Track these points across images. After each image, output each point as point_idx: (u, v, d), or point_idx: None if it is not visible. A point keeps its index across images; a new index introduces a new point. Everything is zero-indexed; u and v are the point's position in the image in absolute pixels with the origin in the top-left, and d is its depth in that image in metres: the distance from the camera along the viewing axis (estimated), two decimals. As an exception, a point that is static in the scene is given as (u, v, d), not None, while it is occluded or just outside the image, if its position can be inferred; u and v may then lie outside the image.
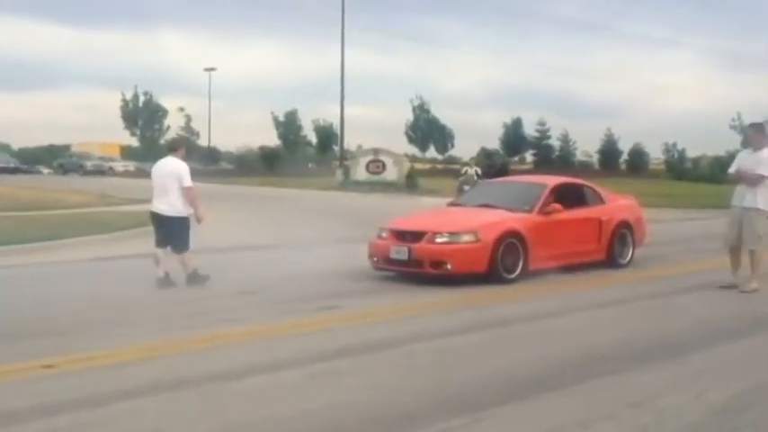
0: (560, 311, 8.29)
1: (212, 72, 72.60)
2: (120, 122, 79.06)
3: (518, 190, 11.73)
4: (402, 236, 10.15)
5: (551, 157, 79.89)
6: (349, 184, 39.38)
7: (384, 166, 39.84)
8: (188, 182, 9.53)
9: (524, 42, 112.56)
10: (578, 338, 6.96)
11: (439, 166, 70.68)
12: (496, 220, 10.33)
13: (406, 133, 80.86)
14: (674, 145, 77.02)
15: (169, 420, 4.62)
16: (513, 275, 9.94)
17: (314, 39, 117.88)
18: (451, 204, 12.33)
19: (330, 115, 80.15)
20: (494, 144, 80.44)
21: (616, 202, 12.23)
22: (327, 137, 76.64)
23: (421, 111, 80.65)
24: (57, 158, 67.56)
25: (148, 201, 10.45)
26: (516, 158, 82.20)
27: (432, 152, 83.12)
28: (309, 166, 74.94)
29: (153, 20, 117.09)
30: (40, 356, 5.96)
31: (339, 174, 42.62)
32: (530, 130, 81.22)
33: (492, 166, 20.84)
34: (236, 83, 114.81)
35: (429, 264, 9.76)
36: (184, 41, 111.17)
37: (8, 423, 4.51)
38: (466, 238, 9.81)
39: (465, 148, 76.43)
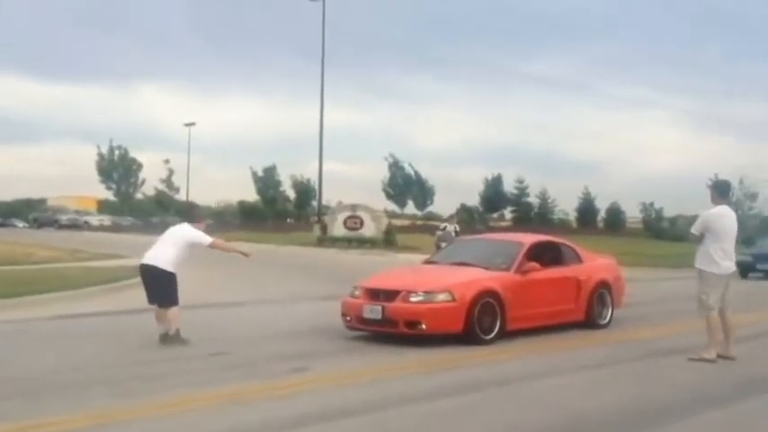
0: (539, 374, 8.04)
1: (192, 127, 72.69)
2: (96, 177, 78.76)
3: (495, 248, 11.50)
4: (376, 294, 9.88)
5: (530, 215, 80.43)
6: (326, 240, 39.17)
7: (362, 222, 39.74)
8: (207, 240, 9.46)
9: (502, 100, 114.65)
10: (558, 403, 6.70)
11: (418, 222, 70.81)
12: (473, 278, 10.10)
13: (384, 190, 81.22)
14: (652, 204, 77.76)
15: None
16: (490, 336, 9.69)
17: (293, 95, 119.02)
18: (427, 262, 12.11)
19: (309, 171, 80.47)
20: (473, 200, 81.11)
21: (594, 261, 12.07)
22: (305, 192, 76.80)
23: (396, 168, 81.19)
24: (33, 212, 66.96)
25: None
26: (495, 215, 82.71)
27: (411, 208, 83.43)
28: (288, 221, 74.74)
29: (132, 76, 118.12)
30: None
31: (317, 229, 42.41)
32: (509, 187, 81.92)
33: None
34: (214, 138, 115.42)
35: (403, 323, 9.48)
36: (163, 97, 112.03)
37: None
38: (441, 297, 9.57)
39: (444, 205, 76.87)
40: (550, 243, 11.95)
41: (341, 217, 40.63)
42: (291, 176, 79.55)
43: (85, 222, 61.07)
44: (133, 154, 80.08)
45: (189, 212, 10.37)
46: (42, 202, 78.39)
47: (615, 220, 78.94)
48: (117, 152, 79.35)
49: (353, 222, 39.79)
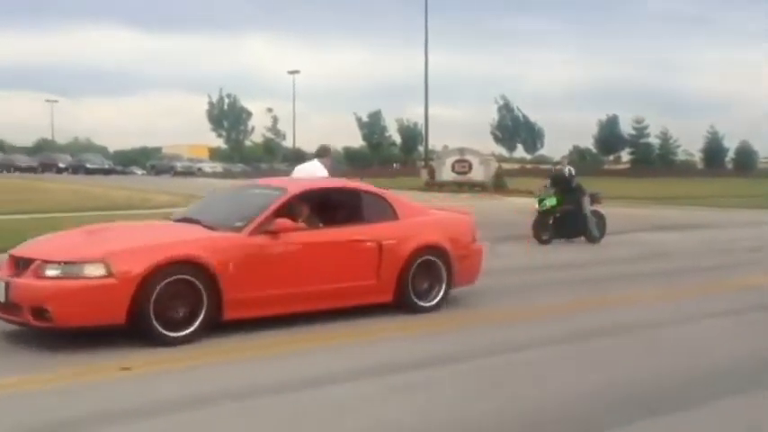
0: (668, 321, 7.65)
1: (296, 75, 73.39)
2: (207, 125, 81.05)
3: (247, 198, 7.99)
4: (16, 264, 6.59)
5: (650, 156, 76.72)
6: (434, 185, 38.87)
7: (470, 166, 39.05)
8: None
9: (617, 37, 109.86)
10: (706, 350, 6.31)
11: (528, 166, 69.37)
12: (162, 242, 6.70)
13: (493, 133, 79.88)
14: (787, 142, 73.00)
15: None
16: (183, 333, 6.31)
17: (396, 40, 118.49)
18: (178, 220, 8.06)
19: (414, 115, 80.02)
20: (587, 143, 78.39)
21: (420, 218, 8.36)
22: (412, 137, 76.61)
23: (506, 110, 79.42)
24: (149, 160, 69.81)
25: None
26: (611, 157, 79.57)
27: (520, 152, 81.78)
28: (394, 166, 74.91)
29: (237, 26, 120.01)
30: (119, 358, 5.75)
31: (424, 174, 42.17)
32: (626, 127, 78.20)
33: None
34: (319, 85, 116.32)
35: (28, 310, 6.13)
36: (268, 45, 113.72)
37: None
38: (90, 270, 6.18)
39: (555, 148, 74.84)
40: (343, 191, 8.32)
41: (449, 161, 40.10)
42: (397, 121, 79.50)
43: (199, 169, 62.98)
44: (241, 103, 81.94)
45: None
46: (158, 150, 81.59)
47: (746, 160, 74.48)
48: (227, 101, 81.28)
49: (462, 166, 39.17)
